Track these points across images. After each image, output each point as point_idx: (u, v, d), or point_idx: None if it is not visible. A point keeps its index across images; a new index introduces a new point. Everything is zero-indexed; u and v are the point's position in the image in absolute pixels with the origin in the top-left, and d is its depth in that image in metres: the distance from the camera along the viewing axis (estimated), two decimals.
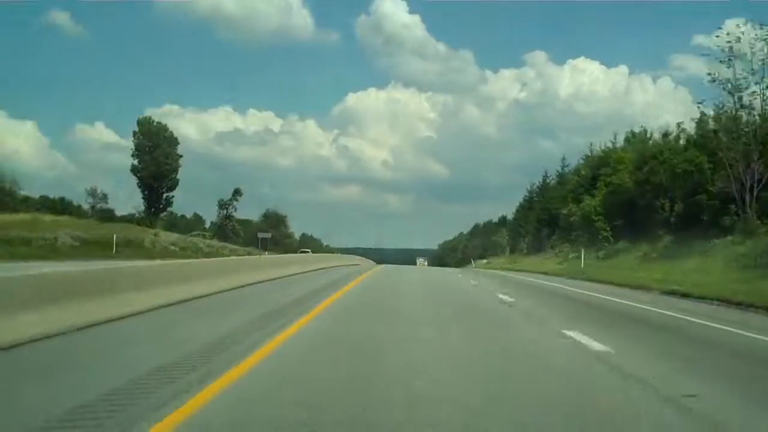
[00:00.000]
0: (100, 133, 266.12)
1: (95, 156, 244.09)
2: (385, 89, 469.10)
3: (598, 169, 60.41)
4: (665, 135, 47.03)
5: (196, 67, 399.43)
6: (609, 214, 47.07)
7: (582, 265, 39.10)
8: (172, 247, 61.51)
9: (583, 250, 41.67)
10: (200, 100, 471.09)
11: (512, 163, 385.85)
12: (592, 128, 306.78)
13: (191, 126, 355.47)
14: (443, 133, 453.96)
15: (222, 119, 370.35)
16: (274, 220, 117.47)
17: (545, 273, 39.97)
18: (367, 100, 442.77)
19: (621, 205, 45.65)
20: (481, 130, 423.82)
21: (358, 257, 69.07)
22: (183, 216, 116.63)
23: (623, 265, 36.06)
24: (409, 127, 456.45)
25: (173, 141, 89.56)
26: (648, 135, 54.51)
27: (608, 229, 46.73)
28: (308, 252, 75.45)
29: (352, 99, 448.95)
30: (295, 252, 77.15)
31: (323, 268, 34.08)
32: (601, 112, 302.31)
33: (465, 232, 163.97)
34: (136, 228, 68.75)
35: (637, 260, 37.29)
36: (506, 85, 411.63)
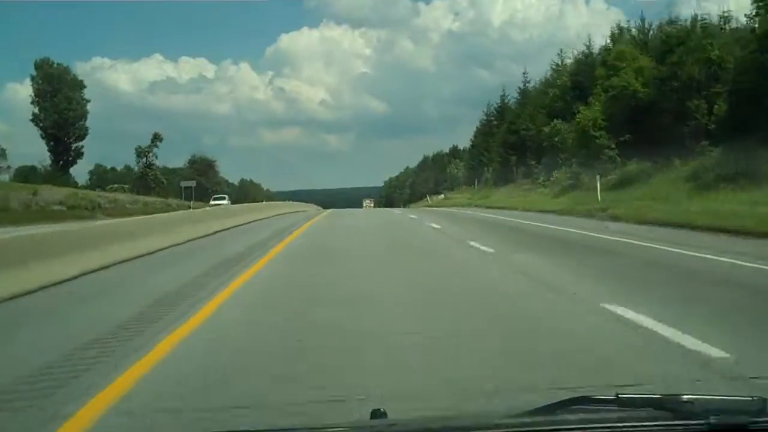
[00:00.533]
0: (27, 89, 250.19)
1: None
2: (318, 28, 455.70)
3: (578, 75, 49.78)
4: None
5: (122, 14, 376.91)
6: (612, 128, 36.44)
7: (599, 197, 28.35)
8: (58, 207, 48.70)
9: (598, 177, 30.82)
10: (130, 50, 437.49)
11: (450, 94, 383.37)
12: (527, 55, 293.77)
13: (123, 77, 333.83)
14: (379, 69, 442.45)
15: (154, 68, 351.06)
16: (202, 166, 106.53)
17: (541, 211, 29.45)
18: (300, 40, 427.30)
19: (629, 113, 35.07)
20: (416, 63, 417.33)
21: (305, 204, 62.88)
22: (113, 168, 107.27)
23: (661, 193, 25.47)
24: (344, 65, 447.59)
25: (77, 84, 77.80)
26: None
27: (614, 146, 36.17)
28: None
29: (285, 39, 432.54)
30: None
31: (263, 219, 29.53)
32: (536, 38, 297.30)
33: (412, 166, 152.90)
34: (17, 185, 56.42)
35: (677, 185, 26.61)
36: (439, 15, 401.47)
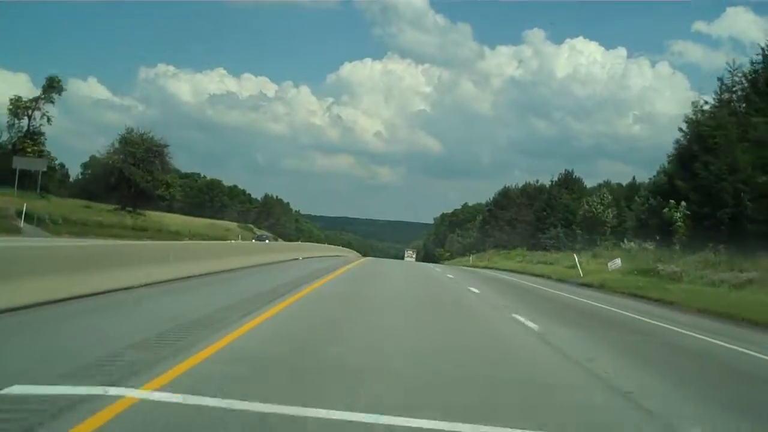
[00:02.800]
0: (92, 88, 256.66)
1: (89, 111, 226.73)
2: (382, 60, 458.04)
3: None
4: None
5: (192, 26, 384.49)
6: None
7: None
8: None
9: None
10: (195, 61, 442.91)
11: (506, 140, 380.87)
12: (587, 110, 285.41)
13: (185, 86, 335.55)
14: (438, 108, 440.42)
15: (216, 81, 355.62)
16: (144, 150, 69.21)
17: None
18: (362, 70, 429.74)
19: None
20: (475, 106, 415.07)
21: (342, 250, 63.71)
22: None
23: None
24: (403, 100, 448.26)
25: None
26: None
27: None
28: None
29: (348, 68, 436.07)
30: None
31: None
32: (597, 95, 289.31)
33: (469, 203, 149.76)
34: None
35: None
36: (503, 61, 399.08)
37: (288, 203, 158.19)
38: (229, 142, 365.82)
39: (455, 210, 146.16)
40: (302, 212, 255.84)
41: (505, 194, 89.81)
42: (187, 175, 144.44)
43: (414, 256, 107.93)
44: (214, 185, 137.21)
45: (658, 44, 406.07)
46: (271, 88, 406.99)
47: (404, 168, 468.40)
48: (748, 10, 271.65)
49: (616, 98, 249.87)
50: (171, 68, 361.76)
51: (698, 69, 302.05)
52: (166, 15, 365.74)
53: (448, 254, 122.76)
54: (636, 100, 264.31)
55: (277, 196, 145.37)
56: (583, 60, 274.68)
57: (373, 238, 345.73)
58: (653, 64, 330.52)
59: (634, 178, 72.67)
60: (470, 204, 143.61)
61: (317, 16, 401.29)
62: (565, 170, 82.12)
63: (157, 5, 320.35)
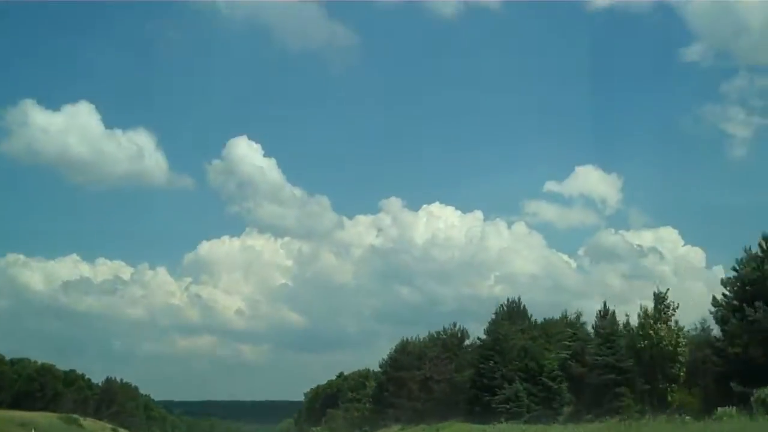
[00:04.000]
0: None
1: None
2: (240, 236, 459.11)
3: None
4: None
5: (43, 212, 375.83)
6: None
7: None
8: None
9: None
10: (46, 249, 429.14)
11: (370, 310, 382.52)
12: (449, 274, 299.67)
13: (36, 274, 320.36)
14: (299, 280, 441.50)
15: (69, 267, 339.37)
16: None
17: None
18: (221, 248, 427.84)
19: None
20: (337, 277, 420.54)
21: None
22: None
23: None
24: (264, 275, 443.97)
25: None
26: None
27: None
28: None
29: (205, 246, 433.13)
30: None
31: None
32: (457, 258, 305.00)
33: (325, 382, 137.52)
34: None
35: None
36: (362, 230, 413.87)
37: (136, 387, 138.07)
38: (86, 329, 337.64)
39: (330, 381, 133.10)
40: (163, 398, 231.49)
41: (403, 350, 71.71)
42: (14, 362, 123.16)
43: None
44: (46, 371, 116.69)
45: (513, 205, 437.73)
46: (126, 272, 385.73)
47: (268, 344, 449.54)
48: (596, 168, 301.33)
49: (477, 260, 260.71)
50: (21, 257, 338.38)
51: (552, 226, 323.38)
52: (16, 203, 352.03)
53: None
54: (495, 260, 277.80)
55: (122, 380, 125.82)
56: (441, 224, 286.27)
57: (241, 419, 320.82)
58: (509, 224, 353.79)
59: None
60: (346, 373, 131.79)
61: (173, 198, 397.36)
62: (508, 299, 65.67)
63: (8, 192, 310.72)
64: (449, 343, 66.42)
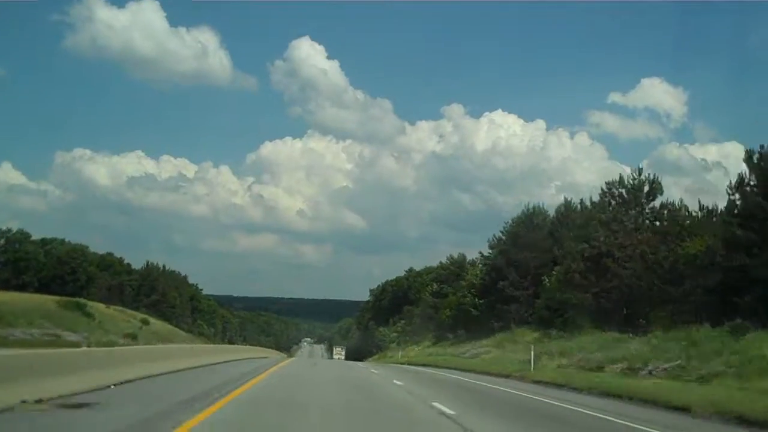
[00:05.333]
0: (7, 173, 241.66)
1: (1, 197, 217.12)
2: (302, 138, 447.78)
3: None
4: None
5: (109, 109, 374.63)
6: None
7: None
8: None
9: None
10: (112, 144, 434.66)
11: (429, 215, 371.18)
12: (509, 183, 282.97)
13: (102, 169, 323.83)
14: (360, 184, 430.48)
15: (134, 163, 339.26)
16: None
17: None
18: (282, 148, 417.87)
19: None
20: (398, 181, 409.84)
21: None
22: None
23: None
24: (325, 177, 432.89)
25: None
26: None
27: None
28: None
29: (268, 147, 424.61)
30: None
31: None
32: (518, 166, 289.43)
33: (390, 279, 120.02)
34: None
35: None
36: (424, 136, 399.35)
37: (185, 276, 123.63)
38: (149, 224, 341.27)
39: (398, 277, 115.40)
40: (223, 293, 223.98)
41: (528, 219, 47.37)
42: (45, 242, 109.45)
43: (343, 353, 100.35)
44: (78, 253, 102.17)
45: (576, 116, 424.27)
46: (190, 169, 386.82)
47: (329, 245, 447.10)
48: (662, 81, 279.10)
49: (538, 169, 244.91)
50: (88, 152, 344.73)
51: (615, 138, 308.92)
52: (83, 98, 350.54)
53: (395, 336, 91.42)
54: (557, 170, 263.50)
55: (164, 266, 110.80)
56: (503, 133, 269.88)
57: (299, 317, 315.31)
58: (572, 135, 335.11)
59: None
60: (417, 269, 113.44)
61: (235, 97, 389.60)
62: None
63: (74, 88, 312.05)
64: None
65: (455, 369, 32.95)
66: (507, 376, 26.64)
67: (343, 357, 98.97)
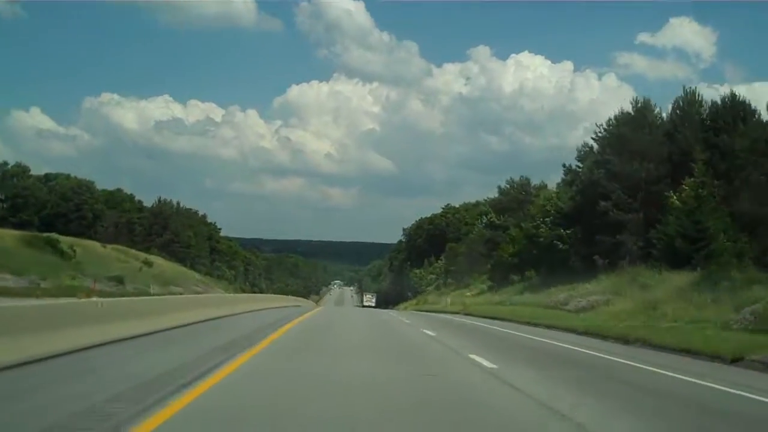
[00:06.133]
0: (35, 118, 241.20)
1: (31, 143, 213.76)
2: (329, 81, 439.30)
3: None
4: None
5: (135, 53, 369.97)
6: None
7: None
8: None
9: None
10: (139, 88, 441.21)
11: (457, 157, 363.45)
12: (537, 124, 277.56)
13: (130, 114, 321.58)
14: (388, 127, 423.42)
15: (161, 107, 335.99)
16: None
17: None
18: (309, 92, 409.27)
19: None
20: (425, 124, 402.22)
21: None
22: None
23: None
24: (353, 120, 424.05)
25: None
26: None
27: None
28: None
29: (295, 90, 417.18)
30: None
31: None
32: (546, 108, 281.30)
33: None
34: None
35: None
36: (450, 79, 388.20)
37: (203, 215, 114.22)
38: (177, 168, 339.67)
39: (433, 215, 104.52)
40: (253, 236, 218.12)
41: (640, 115, 33.78)
42: (49, 177, 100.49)
43: (374, 300, 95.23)
44: (83, 188, 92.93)
45: (604, 57, 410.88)
46: (218, 113, 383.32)
47: (357, 188, 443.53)
48: (691, 21, 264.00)
49: (565, 111, 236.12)
50: (115, 96, 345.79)
51: (644, 80, 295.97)
52: (108, 43, 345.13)
53: (433, 278, 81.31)
54: (585, 111, 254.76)
55: (179, 203, 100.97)
56: (530, 75, 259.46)
57: (328, 259, 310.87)
58: (600, 76, 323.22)
59: None
60: (455, 204, 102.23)
61: (261, 40, 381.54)
62: None
63: (99, 33, 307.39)
64: None
65: (588, 335, 19.09)
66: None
67: (374, 303, 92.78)
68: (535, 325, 23.37)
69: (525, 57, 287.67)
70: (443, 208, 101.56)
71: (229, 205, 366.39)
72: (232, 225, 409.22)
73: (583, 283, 29.89)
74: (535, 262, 39.22)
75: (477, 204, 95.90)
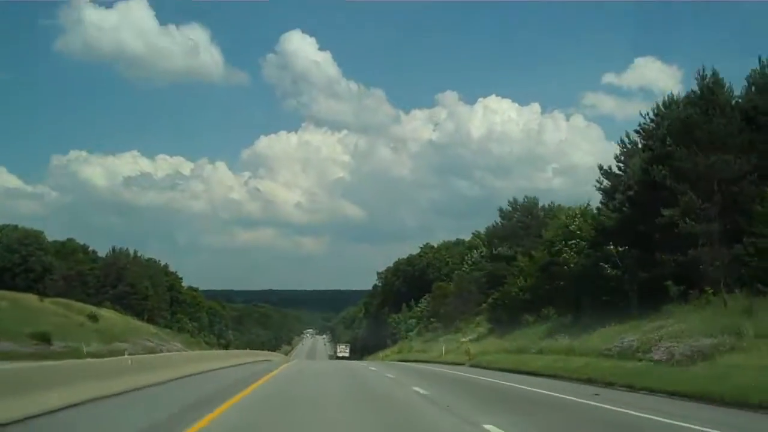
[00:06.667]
0: (2, 177, 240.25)
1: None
2: (297, 131, 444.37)
3: None
4: None
5: (102, 110, 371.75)
6: None
7: None
8: None
9: None
10: (107, 145, 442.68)
11: (428, 203, 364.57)
12: (507, 168, 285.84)
13: (98, 170, 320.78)
14: (357, 174, 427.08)
15: (130, 163, 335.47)
16: None
17: None
18: (278, 143, 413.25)
19: None
20: (395, 171, 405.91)
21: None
22: None
23: None
24: (322, 169, 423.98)
25: None
26: None
27: None
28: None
29: (263, 141, 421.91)
30: None
31: None
32: (515, 151, 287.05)
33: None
34: None
35: None
36: (419, 125, 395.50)
37: (165, 265, 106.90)
38: (148, 223, 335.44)
39: (410, 257, 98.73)
40: (225, 288, 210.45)
41: (707, 91, 25.54)
42: None
43: (348, 350, 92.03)
44: (31, 239, 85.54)
45: (571, 98, 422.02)
46: (186, 167, 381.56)
47: (328, 236, 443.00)
48: (655, 60, 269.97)
49: (534, 153, 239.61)
50: (83, 153, 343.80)
51: (612, 119, 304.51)
52: (76, 100, 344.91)
53: (413, 323, 75.12)
54: (553, 153, 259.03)
55: (135, 252, 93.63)
56: (498, 118, 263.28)
57: (302, 308, 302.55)
58: (568, 117, 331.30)
59: None
60: (435, 243, 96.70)
61: (228, 93, 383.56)
62: None
63: (67, 91, 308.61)
64: None
65: None
66: None
67: (347, 354, 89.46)
68: (632, 389, 15.25)
69: (492, 101, 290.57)
70: (421, 247, 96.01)
71: (200, 257, 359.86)
72: (203, 278, 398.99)
73: (647, 319, 22.16)
74: (553, 297, 33.12)
75: (458, 242, 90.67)
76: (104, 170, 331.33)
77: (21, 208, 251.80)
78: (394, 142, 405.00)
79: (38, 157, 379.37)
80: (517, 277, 36.58)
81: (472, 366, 27.46)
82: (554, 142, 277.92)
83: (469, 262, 59.53)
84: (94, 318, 55.72)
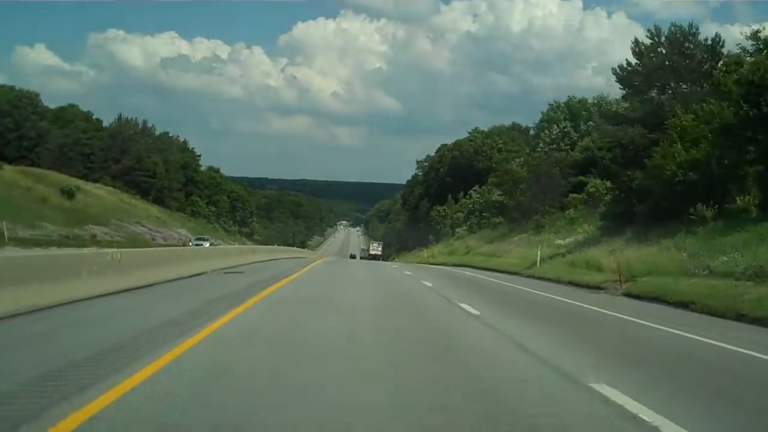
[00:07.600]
0: (40, 54, 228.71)
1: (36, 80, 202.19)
2: (335, 18, 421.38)
3: None
4: None
5: None
6: None
7: None
8: None
9: None
10: (145, 25, 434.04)
11: (466, 97, 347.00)
12: (545, 63, 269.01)
13: (135, 50, 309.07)
14: (394, 65, 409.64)
15: (167, 44, 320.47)
16: None
17: None
18: (316, 30, 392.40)
19: None
20: (433, 63, 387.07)
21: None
22: None
23: None
24: (359, 58, 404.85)
25: None
26: None
27: None
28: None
29: (301, 28, 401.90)
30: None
31: None
32: (555, 47, 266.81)
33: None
34: None
35: None
36: (458, 16, 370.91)
37: (184, 141, 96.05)
38: (184, 105, 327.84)
39: (457, 141, 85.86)
40: (258, 176, 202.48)
41: None
42: None
43: (380, 248, 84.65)
44: (26, 100, 74.70)
45: None
46: (224, 50, 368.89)
47: (364, 128, 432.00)
48: None
49: (575, 50, 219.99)
50: (121, 32, 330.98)
51: (655, 18, 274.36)
52: None
53: (460, 217, 63.51)
54: (594, 51, 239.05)
55: (144, 122, 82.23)
56: (539, 12, 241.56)
57: (335, 199, 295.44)
58: (609, 14, 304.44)
59: None
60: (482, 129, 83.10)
61: None
62: None
63: None
64: None
65: None
66: None
67: (380, 252, 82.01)
68: None
69: None
70: (470, 132, 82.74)
71: (235, 143, 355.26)
72: (237, 165, 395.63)
73: None
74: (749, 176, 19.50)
75: (514, 127, 77.31)
76: (141, 50, 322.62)
77: (59, 86, 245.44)
78: (432, 33, 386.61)
79: (76, 35, 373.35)
80: (673, 145, 22.30)
81: (627, 295, 15.36)
82: (595, 40, 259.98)
83: (547, 140, 46.57)
84: (69, 193, 44.92)
